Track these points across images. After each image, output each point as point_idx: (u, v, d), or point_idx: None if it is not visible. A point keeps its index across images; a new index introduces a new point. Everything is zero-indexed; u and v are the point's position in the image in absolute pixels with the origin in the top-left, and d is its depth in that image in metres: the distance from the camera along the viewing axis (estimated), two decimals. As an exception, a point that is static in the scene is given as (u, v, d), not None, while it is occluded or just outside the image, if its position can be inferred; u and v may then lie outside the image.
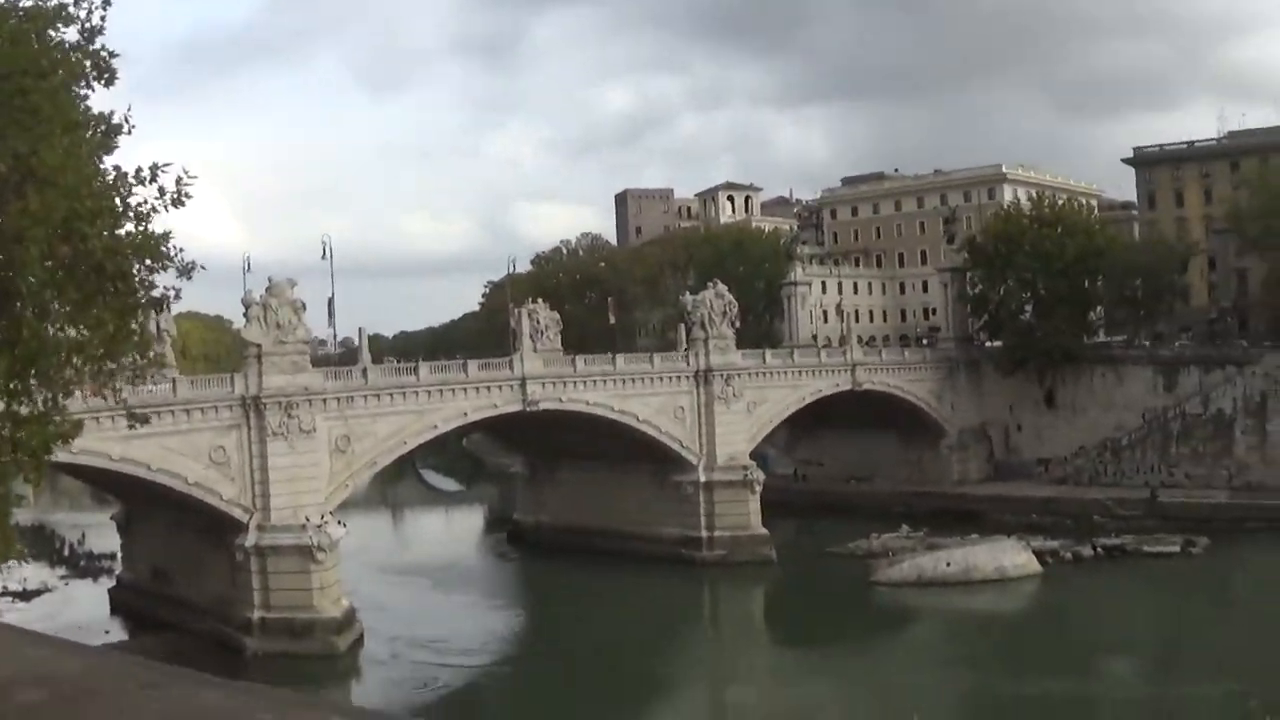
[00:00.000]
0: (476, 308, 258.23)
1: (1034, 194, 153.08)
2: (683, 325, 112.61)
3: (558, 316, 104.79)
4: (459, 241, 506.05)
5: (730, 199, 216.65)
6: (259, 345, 75.55)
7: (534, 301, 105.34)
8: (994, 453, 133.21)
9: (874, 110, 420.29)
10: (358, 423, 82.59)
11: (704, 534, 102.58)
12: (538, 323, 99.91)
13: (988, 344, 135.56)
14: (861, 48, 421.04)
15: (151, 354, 13.53)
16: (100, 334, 12.81)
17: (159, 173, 12.65)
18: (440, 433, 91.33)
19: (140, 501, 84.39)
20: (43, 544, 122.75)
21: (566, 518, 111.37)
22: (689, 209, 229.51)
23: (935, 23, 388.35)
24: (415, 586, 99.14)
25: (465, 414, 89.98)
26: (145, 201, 12.68)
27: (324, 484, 79.64)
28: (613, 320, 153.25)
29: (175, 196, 12.55)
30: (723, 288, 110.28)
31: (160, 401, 70.83)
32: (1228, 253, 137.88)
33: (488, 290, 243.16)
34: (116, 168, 12.59)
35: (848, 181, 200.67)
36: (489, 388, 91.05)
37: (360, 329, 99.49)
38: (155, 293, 13.26)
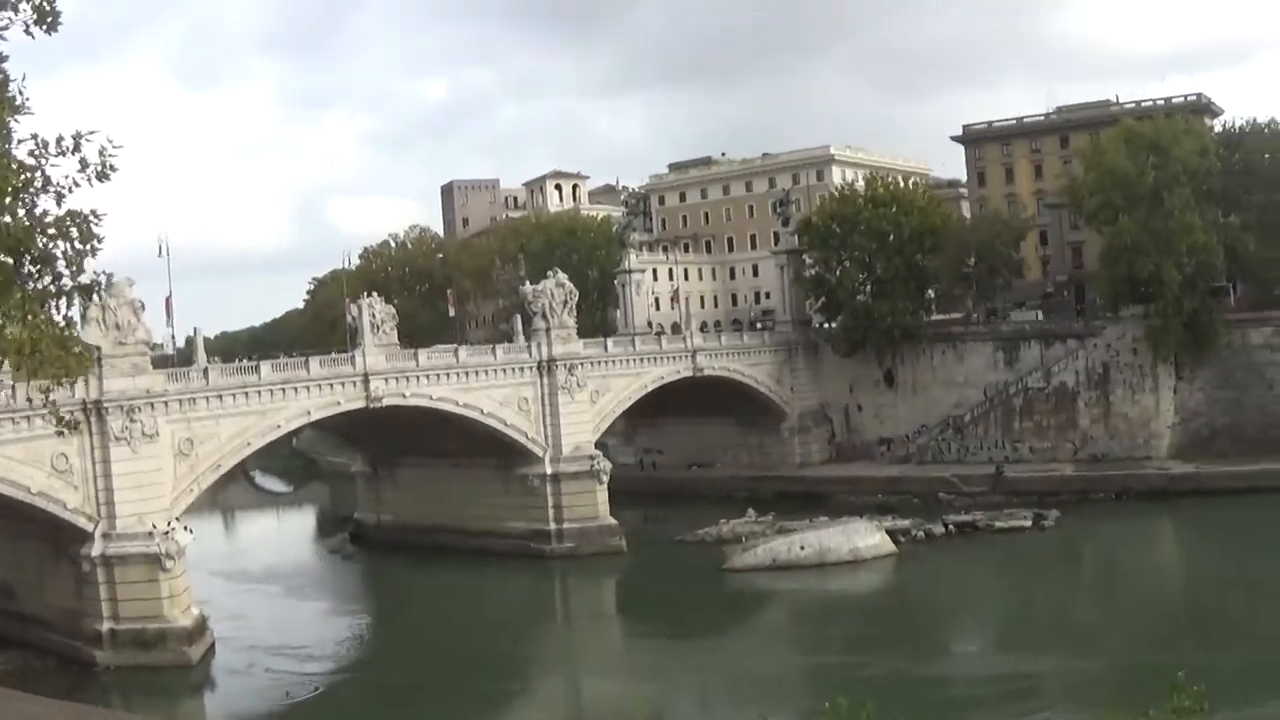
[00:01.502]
0: (300, 305, 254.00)
1: (863, 175, 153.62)
2: (519, 316, 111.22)
3: (393, 310, 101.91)
4: (277, 239, 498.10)
5: (558, 187, 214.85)
6: (99, 347, 71.85)
7: (368, 295, 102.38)
8: (835, 434, 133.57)
9: (693, 96, 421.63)
10: (200, 425, 79.78)
11: (552, 526, 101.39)
12: (374, 317, 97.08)
13: (826, 325, 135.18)
14: (677, 33, 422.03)
15: (79, 350, 11.32)
16: (22, 326, 10.62)
17: (82, 142, 10.39)
18: (284, 432, 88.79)
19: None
20: None
21: (410, 516, 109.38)
22: (516, 199, 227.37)
23: (750, 4, 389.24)
24: (261, 592, 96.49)
25: (309, 412, 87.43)
26: (67, 176, 10.43)
27: (168, 489, 76.86)
28: (452, 312, 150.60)
29: (100, 169, 10.36)
30: (563, 276, 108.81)
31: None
32: (1061, 227, 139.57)
33: (313, 287, 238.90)
34: (34, 135, 10.28)
35: (675, 167, 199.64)
36: (331, 385, 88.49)
37: (195, 329, 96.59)
38: (83, 278, 10.96)
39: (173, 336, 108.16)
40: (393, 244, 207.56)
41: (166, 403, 77.63)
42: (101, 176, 10.57)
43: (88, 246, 10.79)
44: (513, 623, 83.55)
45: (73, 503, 73.20)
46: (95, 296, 10.93)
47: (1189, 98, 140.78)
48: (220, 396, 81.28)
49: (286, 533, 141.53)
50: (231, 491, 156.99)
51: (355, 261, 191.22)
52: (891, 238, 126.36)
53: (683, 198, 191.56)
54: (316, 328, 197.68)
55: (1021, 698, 60.23)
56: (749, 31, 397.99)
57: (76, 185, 10.66)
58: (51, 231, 10.58)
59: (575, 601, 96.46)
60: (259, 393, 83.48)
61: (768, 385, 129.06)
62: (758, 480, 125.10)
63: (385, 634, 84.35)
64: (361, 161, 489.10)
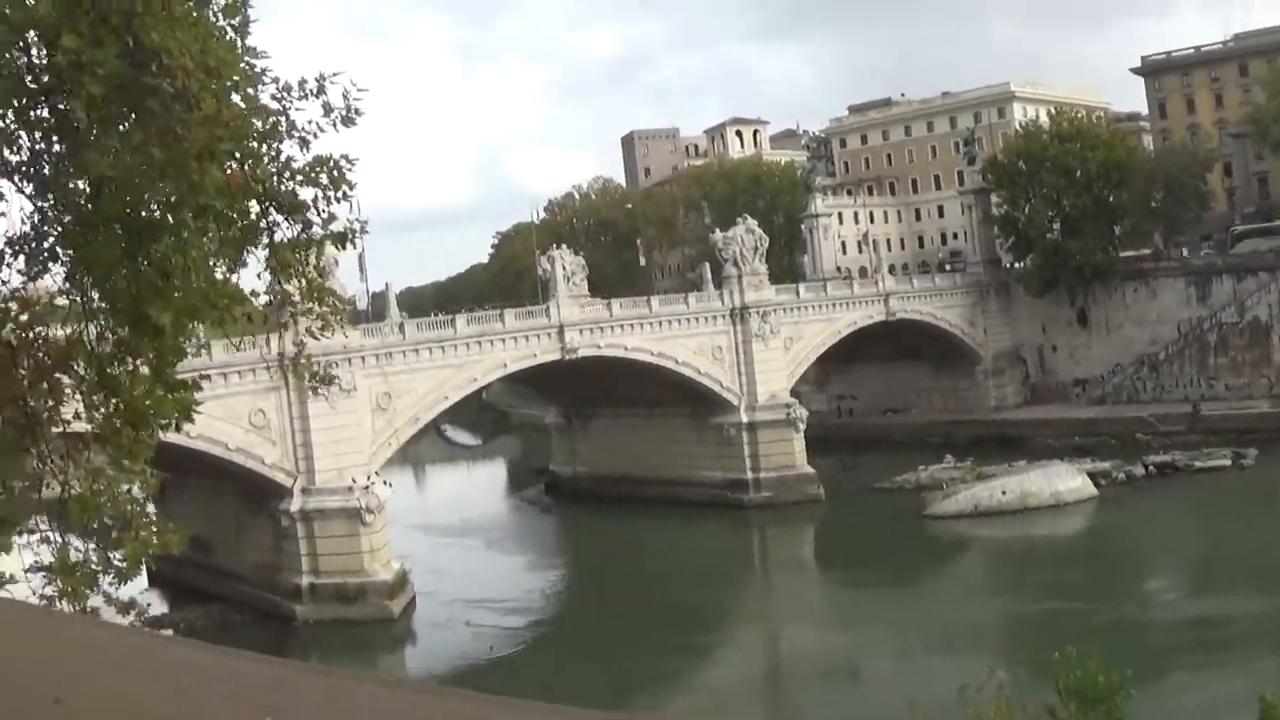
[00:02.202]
0: (484, 259, 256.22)
1: (1044, 111, 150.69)
2: (707, 264, 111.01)
3: (583, 262, 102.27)
4: (459, 193, 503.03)
5: (739, 134, 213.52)
6: (351, 302, 73.61)
7: (556, 248, 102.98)
8: (1029, 376, 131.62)
9: (864, 36, 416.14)
10: (397, 379, 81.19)
11: (749, 476, 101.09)
12: (565, 269, 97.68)
13: (1016, 265, 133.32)
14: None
15: (332, 301, 11.45)
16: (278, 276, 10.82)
17: (326, 85, 10.31)
18: (480, 385, 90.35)
19: (174, 470, 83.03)
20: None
21: (605, 467, 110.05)
22: (696, 147, 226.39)
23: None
24: (460, 545, 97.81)
25: (504, 365, 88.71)
26: (311, 121, 10.34)
27: (367, 444, 78.21)
28: (643, 262, 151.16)
29: (345, 114, 10.31)
30: (753, 223, 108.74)
31: (197, 366, 68.80)
32: (1246, 157, 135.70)
33: (497, 240, 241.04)
34: (275, 79, 10.20)
35: (854, 109, 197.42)
36: (527, 337, 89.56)
37: (386, 284, 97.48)
38: (335, 226, 10.92)
39: (367, 291, 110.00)
40: (576, 195, 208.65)
41: (364, 358, 78.92)
42: (347, 121, 10.45)
43: (339, 192, 10.69)
44: (712, 573, 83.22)
45: (271, 458, 75.16)
46: (350, 245, 10.97)
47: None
48: (416, 351, 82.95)
49: (480, 486, 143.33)
50: (423, 446, 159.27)
51: (540, 214, 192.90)
52: (1078, 174, 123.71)
53: (864, 140, 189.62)
54: (502, 281, 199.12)
55: (1233, 644, 59.12)
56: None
57: (321, 131, 10.54)
58: (299, 178, 10.50)
59: (774, 551, 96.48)
60: (455, 346, 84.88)
61: (960, 328, 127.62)
62: (953, 425, 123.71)
63: (584, 586, 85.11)
64: (537, 114, 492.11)
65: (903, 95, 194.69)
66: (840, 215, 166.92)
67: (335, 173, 10.57)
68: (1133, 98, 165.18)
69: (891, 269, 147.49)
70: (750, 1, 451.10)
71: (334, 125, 10.34)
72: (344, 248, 11.21)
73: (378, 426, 79.51)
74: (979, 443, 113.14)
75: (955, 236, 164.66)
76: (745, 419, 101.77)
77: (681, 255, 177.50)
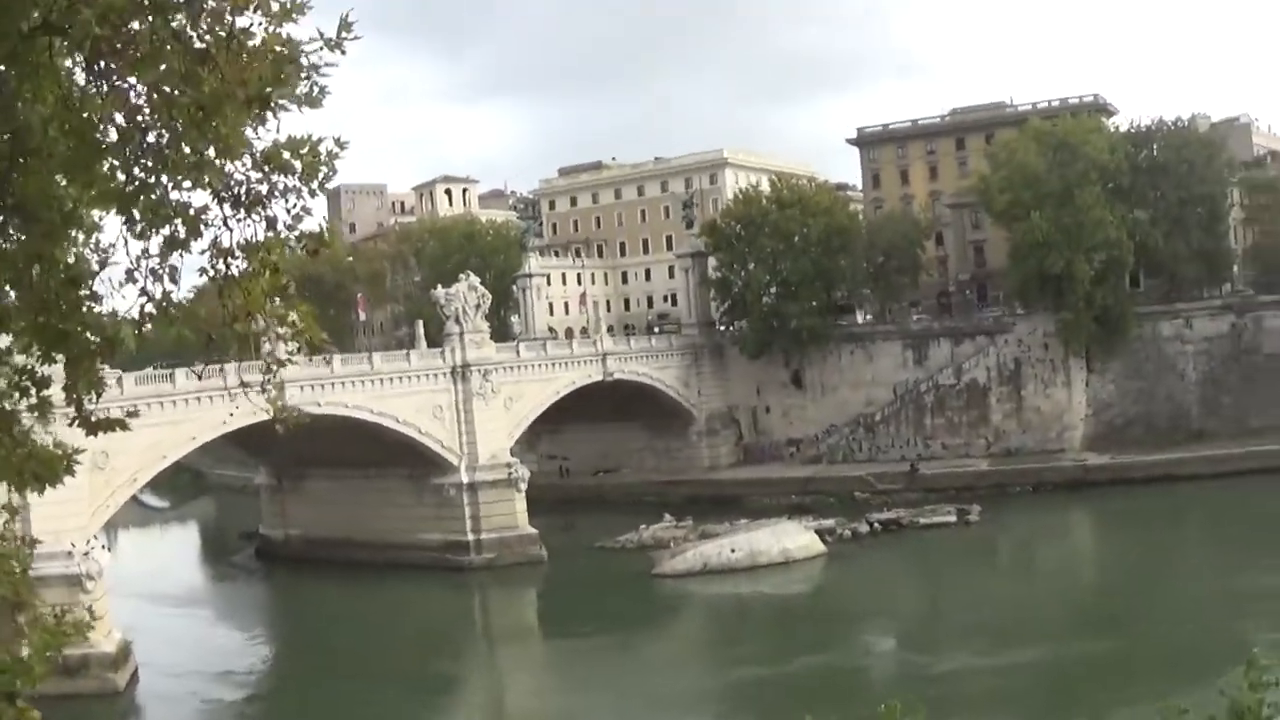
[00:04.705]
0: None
1: (755, 179, 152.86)
2: (419, 322, 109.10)
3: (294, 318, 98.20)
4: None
5: (448, 192, 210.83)
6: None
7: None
8: (743, 436, 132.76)
9: (572, 103, 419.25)
10: (115, 436, 70.66)
11: (470, 537, 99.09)
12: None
13: (731, 327, 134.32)
14: (547, 41, 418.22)
15: (304, 326, 9.02)
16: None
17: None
18: (199, 444, 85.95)
19: None
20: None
21: (320, 530, 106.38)
22: (404, 204, 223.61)
23: (618, 13, 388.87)
24: (174, 614, 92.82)
25: (224, 422, 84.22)
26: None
27: (85, 506, 73.02)
28: (363, 317, 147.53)
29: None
30: (475, 279, 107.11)
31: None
32: (963, 226, 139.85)
33: (192, 295, 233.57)
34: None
35: (565, 172, 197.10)
36: (246, 393, 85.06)
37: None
38: (306, 225, 8.58)
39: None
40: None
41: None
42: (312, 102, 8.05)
43: (315, 184, 8.18)
44: (435, 639, 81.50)
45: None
46: (320, 252, 8.51)
47: (1084, 98, 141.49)
48: (134, 406, 78.48)
49: (185, 550, 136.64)
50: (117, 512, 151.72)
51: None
52: (797, 239, 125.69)
53: (574, 202, 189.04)
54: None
55: (997, 697, 59.25)
56: (621, 41, 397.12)
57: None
58: (268, 162, 8.03)
59: (498, 614, 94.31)
60: (174, 402, 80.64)
61: (675, 389, 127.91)
62: (667, 485, 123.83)
63: (306, 655, 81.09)
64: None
65: (614, 159, 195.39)
66: (548, 277, 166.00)
67: (316, 159, 8.02)
68: (844, 169, 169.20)
69: (610, 329, 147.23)
70: (448, 63, 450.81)
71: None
72: (316, 255, 8.69)
73: (95, 486, 74.21)
74: (695, 502, 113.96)
75: (666, 299, 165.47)
76: (466, 479, 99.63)
77: (388, 313, 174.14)
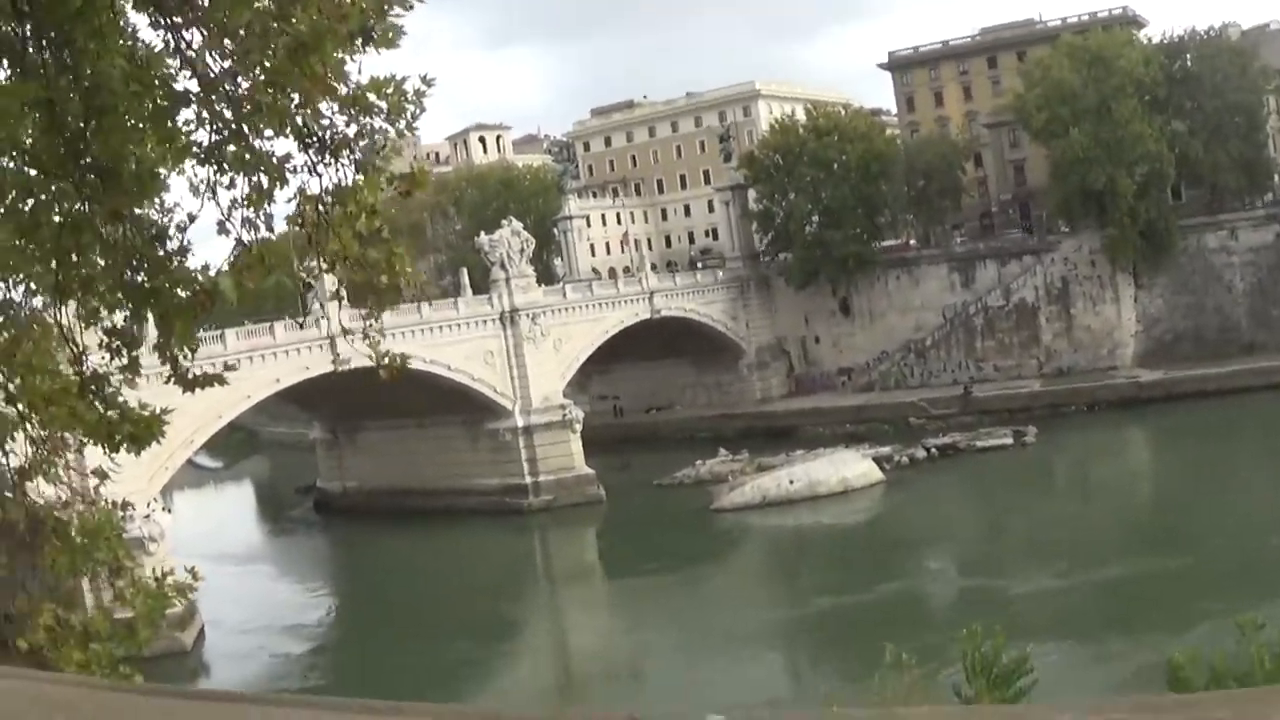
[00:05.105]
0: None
1: (789, 109, 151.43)
2: (464, 270, 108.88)
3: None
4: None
5: (482, 140, 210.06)
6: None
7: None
8: (794, 367, 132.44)
9: (595, 44, 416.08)
10: (169, 400, 75.65)
11: (528, 480, 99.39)
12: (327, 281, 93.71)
13: (776, 259, 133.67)
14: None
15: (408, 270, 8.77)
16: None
17: None
18: (253, 403, 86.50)
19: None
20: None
21: (377, 480, 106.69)
22: (438, 154, 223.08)
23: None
24: (235, 571, 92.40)
25: (278, 380, 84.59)
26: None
27: (144, 469, 72.66)
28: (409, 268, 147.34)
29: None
30: (518, 225, 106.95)
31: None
32: (1001, 146, 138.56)
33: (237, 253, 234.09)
34: None
35: (597, 112, 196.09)
36: (299, 350, 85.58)
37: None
38: (396, 166, 8.37)
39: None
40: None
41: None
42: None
43: (403, 124, 7.95)
44: (498, 583, 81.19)
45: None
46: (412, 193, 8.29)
47: (1113, 11, 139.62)
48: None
49: (242, 508, 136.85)
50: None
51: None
52: (836, 166, 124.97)
53: (608, 142, 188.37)
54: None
55: (1069, 617, 58.78)
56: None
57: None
58: (354, 106, 7.77)
59: (560, 555, 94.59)
60: (226, 363, 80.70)
61: (724, 323, 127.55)
62: (721, 419, 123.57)
63: (368, 605, 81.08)
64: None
65: (645, 97, 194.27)
66: (588, 218, 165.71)
67: (401, 98, 7.75)
68: (876, 95, 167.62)
69: (654, 267, 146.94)
70: (472, 10, 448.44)
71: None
72: (409, 195, 8.43)
73: (153, 450, 74.42)
74: (749, 435, 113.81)
75: (708, 234, 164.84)
76: (520, 423, 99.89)
77: (431, 263, 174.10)
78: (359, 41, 7.05)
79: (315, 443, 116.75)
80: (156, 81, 7.70)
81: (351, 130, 7.93)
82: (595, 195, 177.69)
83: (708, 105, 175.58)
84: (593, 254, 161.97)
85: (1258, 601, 41.62)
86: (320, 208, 8.16)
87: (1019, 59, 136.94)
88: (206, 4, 7.09)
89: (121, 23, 7.59)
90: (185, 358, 8.67)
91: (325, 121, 7.81)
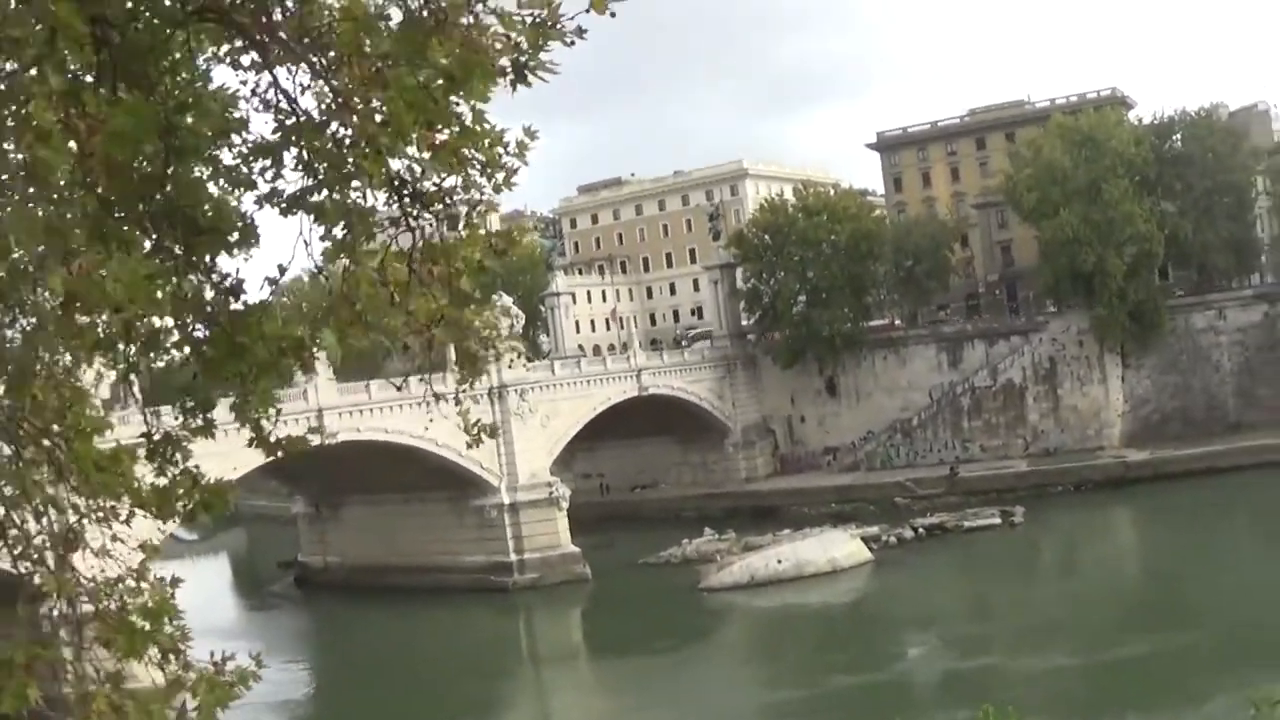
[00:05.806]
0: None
1: (776, 188, 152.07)
2: (450, 344, 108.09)
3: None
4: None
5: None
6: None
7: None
8: (779, 447, 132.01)
9: (582, 123, 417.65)
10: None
11: (513, 558, 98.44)
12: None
13: (763, 338, 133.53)
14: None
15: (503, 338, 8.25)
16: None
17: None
18: (240, 474, 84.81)
19: None
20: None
21: (360, 556, 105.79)
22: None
23: (621, 33, 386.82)
24: (218, 645, 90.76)
25: (261, 455, 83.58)
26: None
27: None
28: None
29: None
30: (508, 300, 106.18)
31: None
32: (990, 226, 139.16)
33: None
34: None
35: (584, 189, 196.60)
36: (285, 421, 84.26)
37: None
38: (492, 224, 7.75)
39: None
40: (305, 278, 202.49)
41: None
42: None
43: (500, 179, 7.43)
44: (482, 662, 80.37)
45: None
46: (507, 254, 7.76)
47: (1102, 92, 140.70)
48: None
49: (222, 580, 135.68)
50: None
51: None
52: (825, 246, 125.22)
53: (595, 219, 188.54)
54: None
55: (1067, 698, 58.35)
56: (626, 59, 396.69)
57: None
58: (452, 159, 7.21)
59: (546, 634, 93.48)
60: (213, 434, 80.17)
61: (710, 401, 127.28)
62: (706, 498, 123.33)
63: (353, 682, 79.93)
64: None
65: (632, 175, 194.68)
66: (574, 295, 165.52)
67: (500, 149, 7.00)
68: (862, 174, 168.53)
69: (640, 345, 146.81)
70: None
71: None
72: (504, 255, 7.90)
73: (136, 521, 73.73)
74: (734, 514, 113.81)
75: (693, 313, 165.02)
76: (507, 500, 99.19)
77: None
78: (521, 75, 6.54)
79: (297, 516, 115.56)
80: (229, 123, 7.25)
81: (448, 183, 7.38)
82: (582, 272, 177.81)
83: (695, 184, 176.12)
84: (578, 330, 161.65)
85: (1260, 678, 41.19)
86: (410, 265, 7.67)
87: (1008, 140, 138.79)
88: (316, 35, 6.63)
89: (201, 60, 7.16)
90: (269, 419, 8.20)
91: (419, 171, 7.30)
